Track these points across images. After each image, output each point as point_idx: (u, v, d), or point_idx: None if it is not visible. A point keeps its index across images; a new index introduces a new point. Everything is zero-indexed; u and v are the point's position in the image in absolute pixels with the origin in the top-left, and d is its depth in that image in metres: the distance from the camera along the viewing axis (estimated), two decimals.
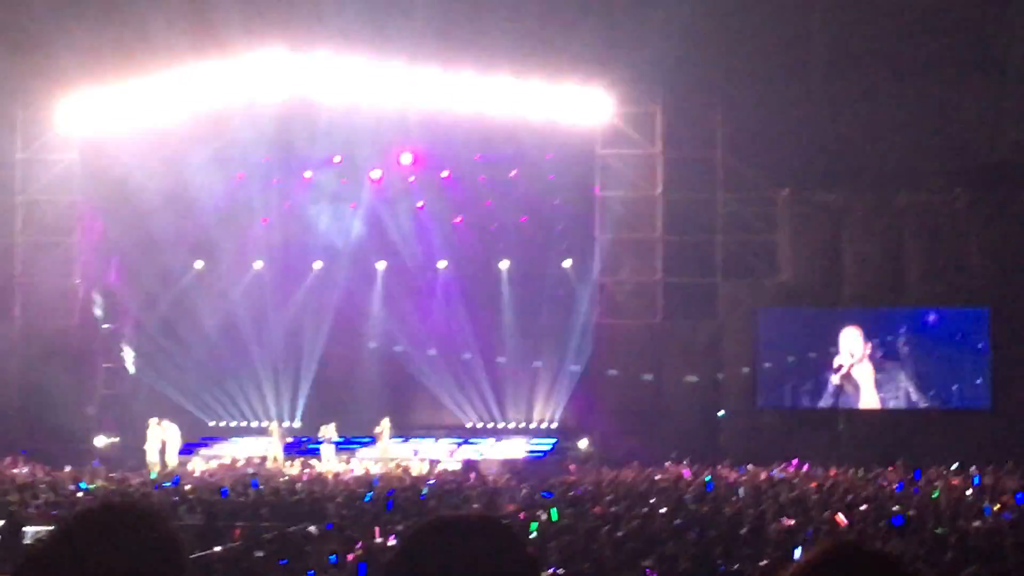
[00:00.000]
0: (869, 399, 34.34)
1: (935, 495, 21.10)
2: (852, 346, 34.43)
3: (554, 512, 16.76)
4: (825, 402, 34.72)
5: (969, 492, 21.80)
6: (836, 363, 34.41)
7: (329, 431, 35.23)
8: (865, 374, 34.27)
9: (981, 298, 33.91)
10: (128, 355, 38.63)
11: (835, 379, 34.35)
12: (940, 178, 33.32)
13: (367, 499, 21.47)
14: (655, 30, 29.41)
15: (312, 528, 16.26)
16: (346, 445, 36.11)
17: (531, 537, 14.39)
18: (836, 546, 2.94)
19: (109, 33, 31.90)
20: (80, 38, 31.82)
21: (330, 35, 33.16)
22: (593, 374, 36.75)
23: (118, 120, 35.25)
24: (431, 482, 26.80)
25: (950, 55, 31.33)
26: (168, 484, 25.54)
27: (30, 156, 36.41)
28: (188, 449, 36.18)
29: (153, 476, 28.51)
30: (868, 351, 34.28)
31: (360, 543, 14.39)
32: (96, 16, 31.11)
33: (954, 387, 34.22)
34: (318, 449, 35.56)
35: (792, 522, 16.16)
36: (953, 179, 33.24)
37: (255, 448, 37.52)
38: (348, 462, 34.79)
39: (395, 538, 14.40)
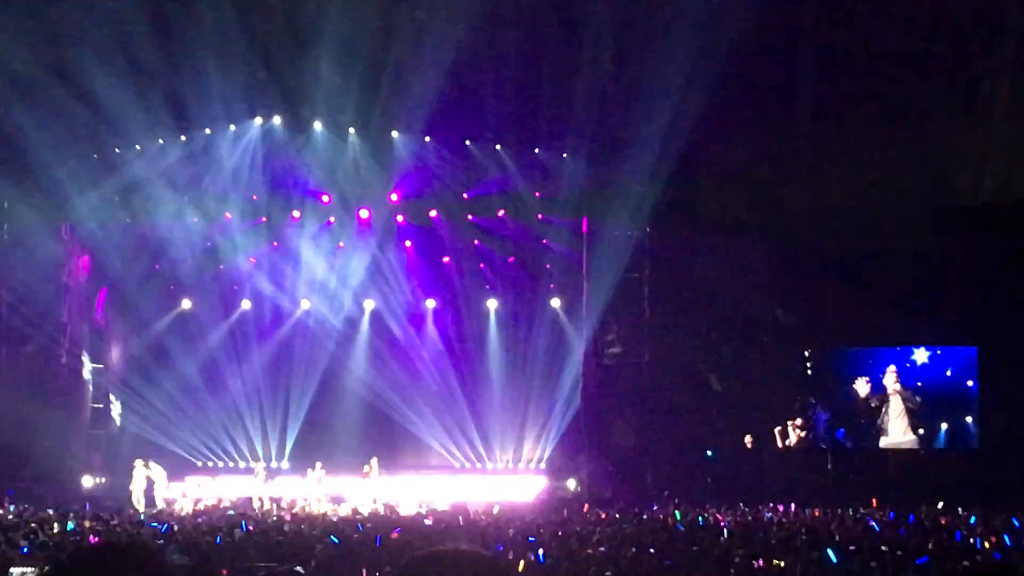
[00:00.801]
0: (896, 435, 34.14)
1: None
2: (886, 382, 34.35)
3: (541, 554, 16.70)
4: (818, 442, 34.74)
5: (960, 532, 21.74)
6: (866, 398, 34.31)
7: (317, 472, 35.16)
8: (895, 410, 34.18)
9: (968, 337, 34.00)
10: (116, 406, 38.45)
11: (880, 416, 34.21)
12: (926, 220, 33.47)
13: (354, 539, 21.37)
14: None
15: (299, 569, 16.16)
16: (334, 485, 36.03)
17: None
18: None
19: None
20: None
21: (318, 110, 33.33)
22: (581, 413, 36.71)
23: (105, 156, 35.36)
24: (426, 521, 26.68)
25: (934, 98, 31.48)
26: (155, 524, 25.40)
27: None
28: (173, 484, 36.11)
29: (142, 517, 28.34)
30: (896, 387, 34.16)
31: None
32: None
33: (943, 426, 34.22)
34: (306, 488, 35.48)
35: (782, 563, 16.11)
36: (939, 221, 33.39)
37: (241, 488, 37.41)
38: (336, 502, 34.69)
39: None
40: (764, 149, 32.95)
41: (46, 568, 3.22)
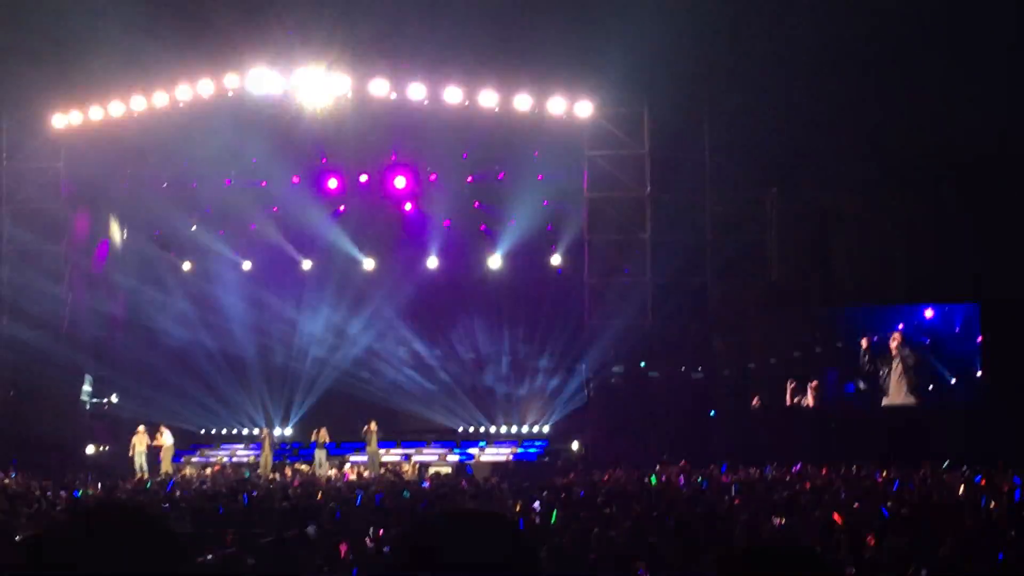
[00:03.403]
0: (896, 396, 34.09)
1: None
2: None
3: (553, 515, 16.73)
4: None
5: (963, 490, 21.73)
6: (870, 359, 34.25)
7: (322, 435, 35.21)
8: (896, 371, 34.11)
9: (971, 294, 33.92)
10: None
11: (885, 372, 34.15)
12: (928, 174, 33.30)
13: (358, 502, 21.39)
14: (640, 33, 29.21)
15: (311, 529, 16.17)
16: (337, 451, 36.12)
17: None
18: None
19: (97, 50, 31.61)
20: (67, 52, 31.63)
21: (315, 51, 32.90)
22: (584, 375, 36.65)
23: (103, 126, 35.08)
24: (424, 484, 26.74)
25: (934, 51, 31.29)
26: (160, 491, 25.46)
27: (16, 165, 36.26)
28: (178, 457, 36.14)
29: (148, 485, 28.37)
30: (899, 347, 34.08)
31: (347, 546, 14.31)
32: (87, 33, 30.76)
33: (950, 383, 34.19)
34: (311, 454, 35.55)
35: (783, 520, 16.11)
36: (940, 174, 33.21)
37: (246, 455, 37.52)
38: (339, 467, 34.79)
39: (385, 541, 14.32)
40: (763, 106, 32.74)
41: (47, 526, 3.18)
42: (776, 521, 16.12)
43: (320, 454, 35.03)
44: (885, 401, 34.03)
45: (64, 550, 2.89)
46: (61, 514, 18.03)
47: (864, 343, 33.92)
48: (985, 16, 30.63)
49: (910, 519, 15.85)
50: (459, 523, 2.92)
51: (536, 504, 19.29)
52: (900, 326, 34.21)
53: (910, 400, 33.64)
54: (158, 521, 3.06)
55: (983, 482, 22.63)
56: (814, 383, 34.38)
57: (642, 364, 35.34)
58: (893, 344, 33.77)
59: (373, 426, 35.11)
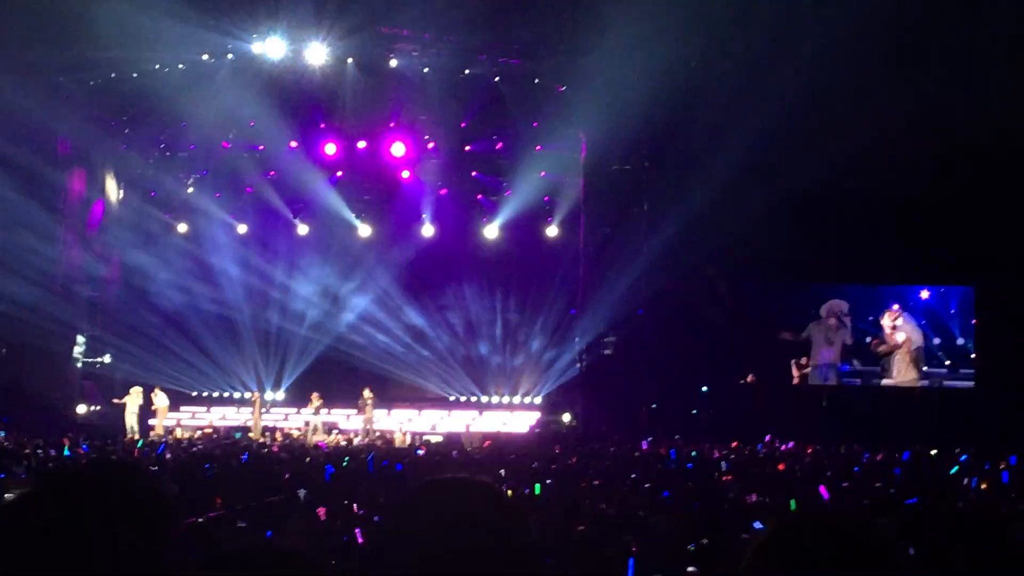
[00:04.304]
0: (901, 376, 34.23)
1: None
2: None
3: (537, 487, 16.68)
4: (815, 379, 34.78)
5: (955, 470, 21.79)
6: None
7: (315, 401, 35.25)
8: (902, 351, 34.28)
9: (966, 277, 33.98)
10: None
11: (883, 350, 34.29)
12: (925, 161, 33.20)
13: (344, 465, 21.41)
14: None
15: (301, 492, 16.14)
16: (329, 416, 36.16)
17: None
18: (795, 517, 2.86)
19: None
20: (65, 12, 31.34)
21: (314, 16, 32.64)
22: (578, 346, 36.67)
23: (101, 85, 34.89)
24: (419, 451, 26.74)
25: (935, 42, 31.12)
26: (152, 452, 25.43)
27: (11, 123, 35.96)
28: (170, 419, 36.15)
29: (140, 444, 28.35)
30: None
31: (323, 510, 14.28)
32: None
33: (945, 364, 34.29)
34: (305, 417, 35.63)
35: (759, 498, 16.10)
36: (939, 162, 33.09)
37: (236, 417, 37.53)
38: (330, 433, 34.83)
39: (376, 508, 14.31)
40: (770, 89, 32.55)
41: (37, 482, 3.16)
42: (755, 498, 16.11)
43: (316, 419, 35.07)
44: (887, 381, 34.15)
45: (51, 509, 2.86)
46: (50, 472, 18.03)
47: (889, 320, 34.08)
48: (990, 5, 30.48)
49: (899, 499, 15.85)
50: (449, 492, 2.90)
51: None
52: (895, 305, 34.25)
53: (912, 377, 33.77)
54: (147, 480, 3.03)
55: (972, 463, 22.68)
56: (803, 360, 34.49)
57: (639, 312, 35.08)
58: (890, 322, 33.87)
59: (367, 393, 35.14)
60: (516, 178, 37.38)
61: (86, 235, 38.24)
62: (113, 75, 34.39)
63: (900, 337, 34.30)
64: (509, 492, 16.97)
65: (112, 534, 2.82)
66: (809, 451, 26.96)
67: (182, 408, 37.77)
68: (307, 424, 35.29)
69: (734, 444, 28.67)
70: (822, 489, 15.91)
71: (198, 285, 39.61)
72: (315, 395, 35.34)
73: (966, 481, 19.10)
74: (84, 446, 25.99)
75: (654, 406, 33.88)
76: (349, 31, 32.54)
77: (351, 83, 34.27)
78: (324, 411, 35.75)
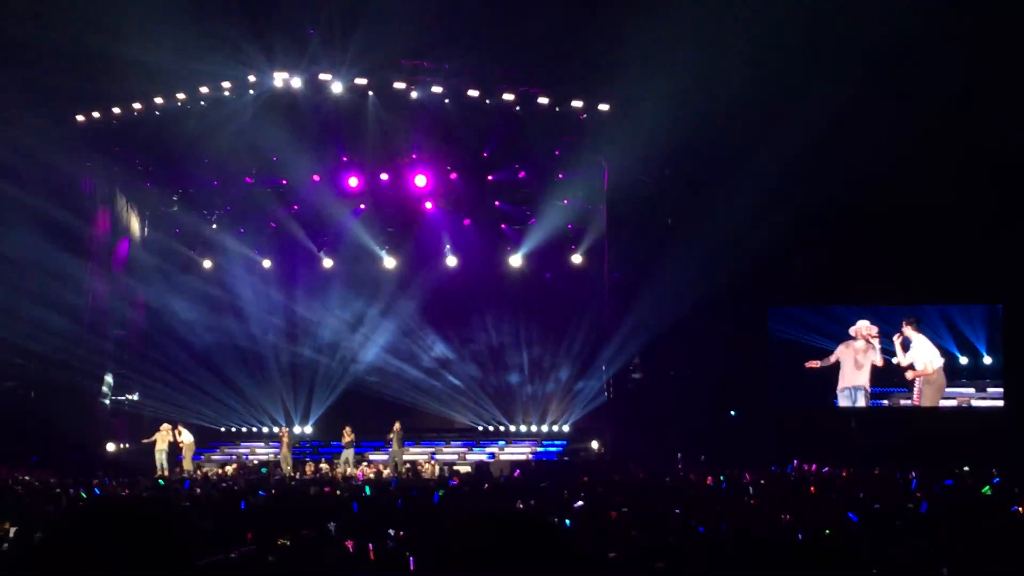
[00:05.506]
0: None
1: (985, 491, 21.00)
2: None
3: (567, 521, 16.65)
4: (844, 402, 34.56)
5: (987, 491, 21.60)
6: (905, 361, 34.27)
7: (348, 435, 35.17)
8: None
9: (993, 295, 33.76)
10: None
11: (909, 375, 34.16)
12: (951, 179, 33.04)
13: (370, 496, 21.39)
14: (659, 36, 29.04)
15: (331, 526, 16.12)
16: (358, 450, 36.13)
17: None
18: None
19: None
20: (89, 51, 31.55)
21: (335, 50, 32.78)
22: (605, 374, 36.54)
23: (126, 123, 35.12)
24: (452, 482, 26.70)
25: (959, 58, 31.02)
26: (180, 489, 25.48)
27: (39, 161, 36.21)
28: (198, 455, 36.20)
29: (162, 483, 28.41)
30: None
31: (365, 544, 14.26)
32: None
33: (970, 385, 34.05)
34: (339, 450, 35.55)
35: (790, 517, 16.02)
36: (965, 179, 32.93)
37: (265, 453, 37.56)
38: (360, 466, 34.81)
39: (407, 543, 14.27)
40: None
41: (53, 528, 3.15)
42: (785, 517, 16.04)
43: (347, 452, 34.98)
44: (910, 375, 33.97)
45: (67, 553, 2.87)
46: (71, 515, 18.08)
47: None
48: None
49: (930, 521, 15.74)
50: (502, 527, 2.87)
51: (578, 504, 19.16)
52: (904, 323, 34.18)
53: (937, 367, 33.67)
54: (167, 522, 3.04)
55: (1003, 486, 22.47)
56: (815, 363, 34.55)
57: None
58: (906, 330, 33.90)
59: (397, 426, 35.09)
60: (539, 206, 37.41)
61: (112, 273, 38.42)
62: (136, 112, 34.57)
63: (911, 357, 34.15)
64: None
65: None
66: (844, 474, 26.79)
67: (211, 443, 37.81)
68: (340, 457, 35.25)
69: (765, 469, 28.53)
70: (851, 515, 15.80)
71: (224, 321, 39.70)
72: (347, 429, 35.26)
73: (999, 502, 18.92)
74: (111, 481, 26.02)
75: (682, 430, 33.70)
76: (370, 64, 32.73)
77: (372, 115, 34.39)
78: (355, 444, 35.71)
